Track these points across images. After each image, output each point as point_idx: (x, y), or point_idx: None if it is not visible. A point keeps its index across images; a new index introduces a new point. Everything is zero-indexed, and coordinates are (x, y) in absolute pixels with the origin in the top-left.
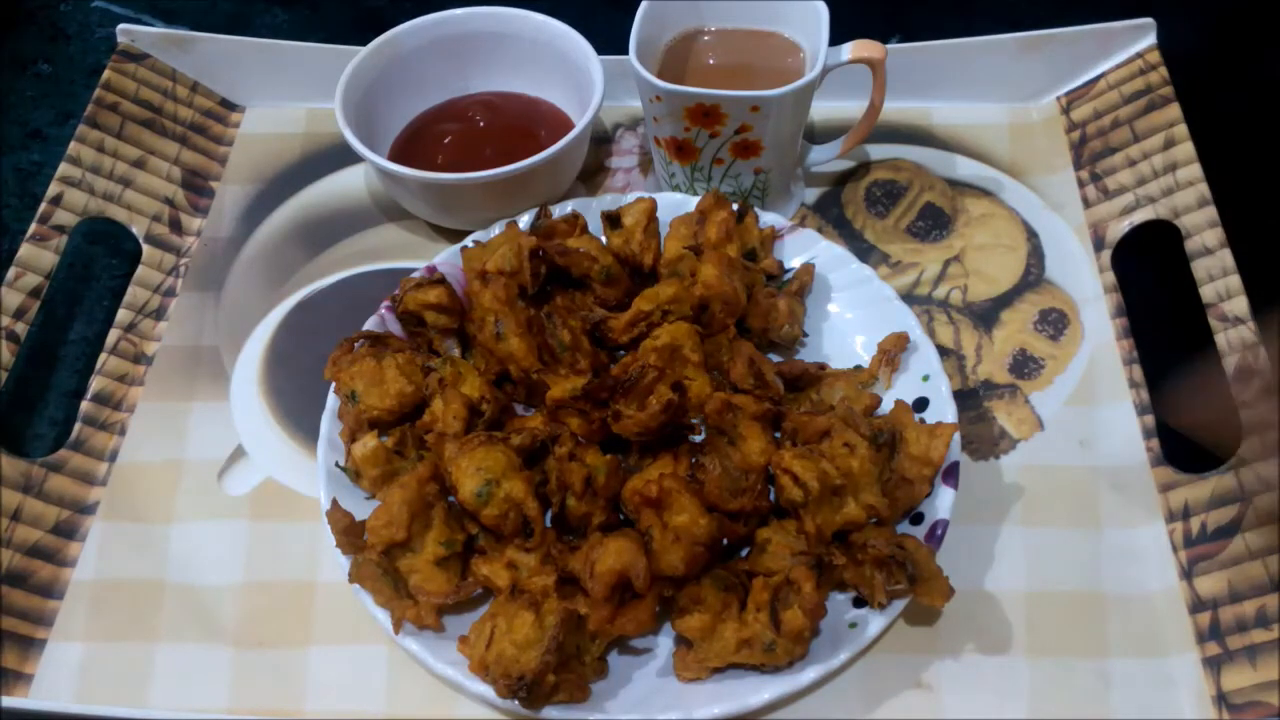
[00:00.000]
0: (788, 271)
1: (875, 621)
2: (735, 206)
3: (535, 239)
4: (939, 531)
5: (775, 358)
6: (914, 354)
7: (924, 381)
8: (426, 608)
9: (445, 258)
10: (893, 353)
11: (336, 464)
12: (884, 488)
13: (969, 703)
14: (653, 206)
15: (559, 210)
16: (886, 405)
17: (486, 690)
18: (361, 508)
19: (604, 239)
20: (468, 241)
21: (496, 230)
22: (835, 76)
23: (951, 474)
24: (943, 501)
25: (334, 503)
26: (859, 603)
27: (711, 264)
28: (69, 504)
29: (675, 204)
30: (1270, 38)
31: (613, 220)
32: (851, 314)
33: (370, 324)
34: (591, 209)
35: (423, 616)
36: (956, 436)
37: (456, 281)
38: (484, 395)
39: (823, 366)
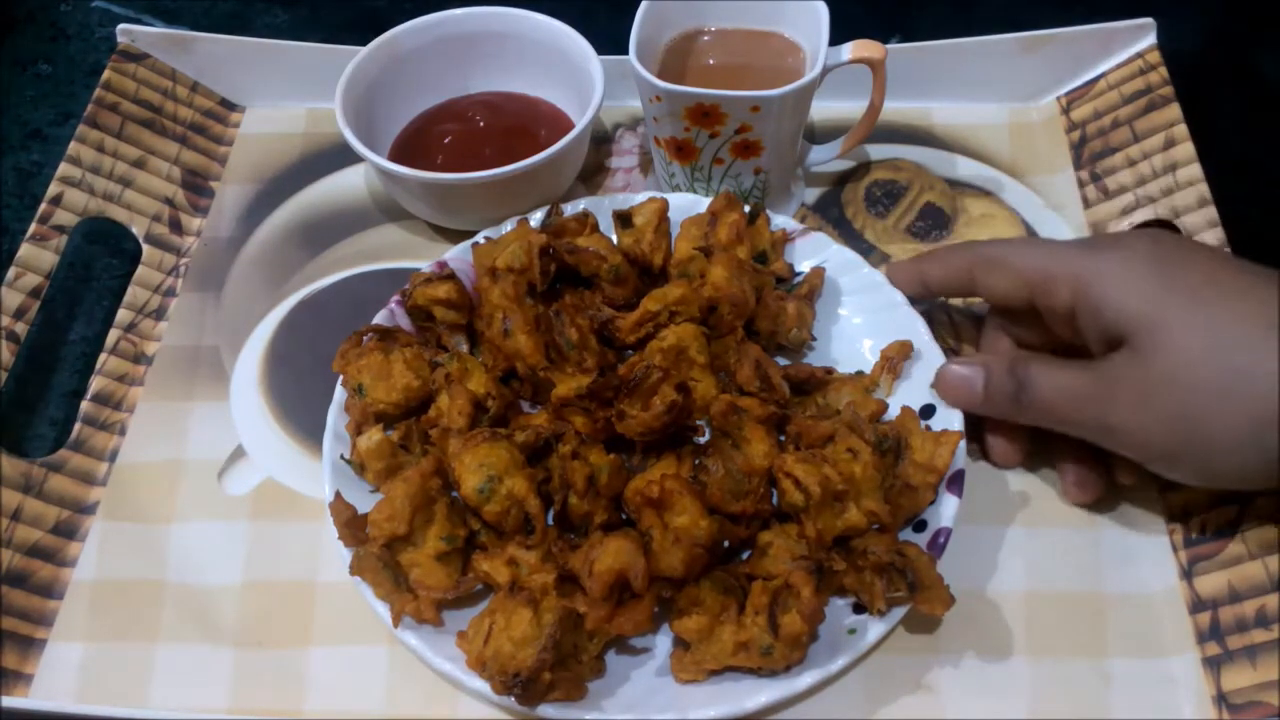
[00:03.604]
0: (798, 275)
1: (874, 628)
2: (748, 208)
3: (546, 236)
4: (941, 540)
5: (783, 360)
6: (921, 360)
7: (931, 388)
8: (426, 602)
9: (456, 254)
10: (895, 360)
11: (341, 456)
12: (887, 494)
13: (969, 704)
14: (665, 207)
15: (570, 208)
16: (894, 411)
17: (483, 686)
18: (365, 501)
19: (614, 238)
20: (479, 238)
21: (508, 227)
22: (835, 76)
23: (956, 482)
24: (946, 509)
25: (338, 495)
26: (858, 609)
27: (721, 266)
28: (69, 504)
29: (687, 205)
30: (1270, 38)
31: (624, 219)
32: (860, 319)
33: (380, 318)
34: (603, 207)
35: (422, 611)
36: (962, 445)
37: (466, 277)
38: (490, 391)
39: (830, 371)
